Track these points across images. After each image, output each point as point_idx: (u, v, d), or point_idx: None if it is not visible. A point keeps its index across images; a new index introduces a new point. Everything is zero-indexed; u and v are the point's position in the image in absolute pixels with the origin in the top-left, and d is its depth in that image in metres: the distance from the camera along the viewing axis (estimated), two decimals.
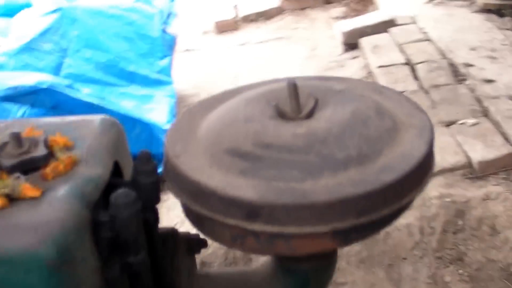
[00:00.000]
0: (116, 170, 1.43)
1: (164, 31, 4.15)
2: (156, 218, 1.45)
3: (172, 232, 1.58)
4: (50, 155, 1.31)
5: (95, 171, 1.33)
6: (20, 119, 1.40)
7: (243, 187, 1.28)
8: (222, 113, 1.48)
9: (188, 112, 1.54)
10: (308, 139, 1.34)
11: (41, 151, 1.31)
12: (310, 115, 1.41)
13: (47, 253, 1.15)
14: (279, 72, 4.60)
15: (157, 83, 3.89)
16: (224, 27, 5.77)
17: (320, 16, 5.75)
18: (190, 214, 1.39)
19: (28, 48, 3.66)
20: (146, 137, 3.43)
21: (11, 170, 1.27)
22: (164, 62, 4.02)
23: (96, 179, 1.31)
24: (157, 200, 1.41)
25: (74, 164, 1.32)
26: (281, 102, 1.43)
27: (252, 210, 1.27)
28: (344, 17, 5.51)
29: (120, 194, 1.26)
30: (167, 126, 3.37)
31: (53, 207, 1.21)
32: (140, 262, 1.31)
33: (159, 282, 1.49)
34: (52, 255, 1.15)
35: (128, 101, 3.64)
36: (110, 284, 1.30)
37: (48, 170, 1.29)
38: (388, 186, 1.28)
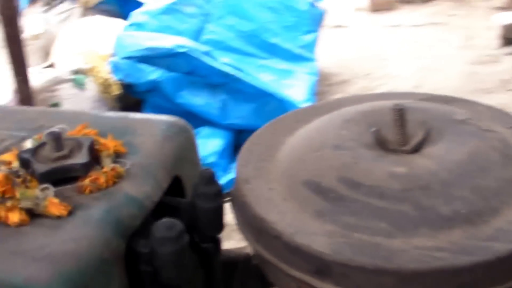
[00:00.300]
0: (177, 186, 1.20)
1: (312, 4, 3.90)
2: (216, 249, 1.21)
3: (243, 258, 1.33)
4: (91, 164, 1.10)
5: (142, 189, 1.10)
6: (81, 112, 1.19)
7: (315, 235, 1.02)
8: (311, 132, 1.21)
9: (273, 125, 1.28)
10: (407, 182, 1.05)
11: (81, 158, 1.09)
12: (416, 149, 1.12)
13: None
14: (429, 60, 4.31)
15: (299, 58, 3.66)
16: (379, 6, 5.44)
17: (481, 5, 5.30)
18: (254, 253, 1.14)
19: (172, 9, 3.57)
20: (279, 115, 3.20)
21: (42, 178, 1.06)
22: (309, 37, 3.79)
23: (141, 201, 1.08)
24: (219, 228, 1.17)
25: (119, 177, 1.10)
26: (384, 128, 1.14)
27: (322, 266, 1.00)
28: (506, 8, 5.02)
29: (161, 225, 1.02)
30: (304, 105, 3.13)
31: (77, 232, 0.99)
32: None
33: None
34: None
35: (266, 74, 3.44)
36: None
37: (86, 182, 1.08)
38: (502, 259, 0.97)
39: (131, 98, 3.43)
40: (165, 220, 1.02)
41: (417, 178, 1.06)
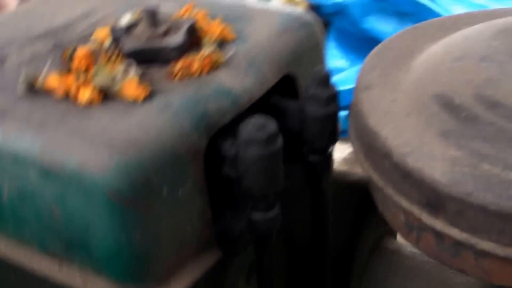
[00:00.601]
0: (291, 87, 1.03)
1: None
2: (326, 165, 1.03)
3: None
4: (187, 47, 0.95)
5: (240, 82, 0.94)
6: None
7: (434, 159, 0.81)
8: (456, 40, 0.99)
9: (413, 30, 1.06)
10: None
11: (176, 39, 0.95)
12: None
13: (110, 180, 0.81)
14: None
15: None
16: None
17: None
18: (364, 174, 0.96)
19: None
20: None
21: (129, 57, 0.93)
22: None
23: (235, 95, 0.92)
24: (329, 139, 0.99)
25: (215, 66, 0.95)
26: None
27: (435, 199, 0.80)
28: None
29: (250, 124, 0.85)
30: None
31: (148, 119, 0.85)
32: (268, 222, 0.91)
33: (322, 254, 1.09)
34: (117, 185, 0.81)
35: (459, 8, 3.12)
36: (221, 244, 0.94)
37: (177, 67, 0.93)
38: None
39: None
40: (256, 118, 0.86)
41: None
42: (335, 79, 2.78)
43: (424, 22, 1.08)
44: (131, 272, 0.85)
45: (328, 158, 1.02)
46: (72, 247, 0.87)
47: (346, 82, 2.78)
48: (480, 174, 0.78)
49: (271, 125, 0.85)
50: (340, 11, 3.13)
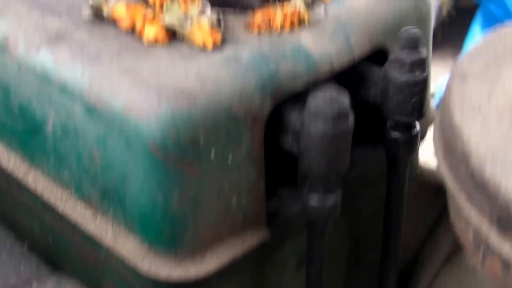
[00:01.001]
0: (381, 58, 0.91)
1: None
2: (409, 144, 0.90)
3: None
4: None
5: (322, 46, 0.83)
6: None
7: None
8: None
9: None
10: None
11: None
12: None
13: (154, 130, 0.72)
14: None
15: None
16: None
17: None
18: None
19: None
20: None
21: None
22: None
23: (314, 59, 0.81)
24: (416, 113, 0.86)
25: (299, 23, 0.84)
26: None
27: (506, 217, 0.68)
28: None
29: (320, 96, 0.74)
30: None
31: (210, 70, 0.76)
32: (325, 208, 0.81)
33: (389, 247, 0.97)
34: (160, 137, 0.72)
35: None
36: (271, 224, 0.84)
37: (257, 18, 0.83)
38: None
39: (467, 1, 3.07)
40: (327, 91, 0.75)
41: None
42: None
43: None
44: (163, 236, 0.77)
45: (414, 137, 0.89)
46: (108, 197, 0.80)
47: None
48: None
49: (343, 100, 0.74)
50: None
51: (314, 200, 0.80)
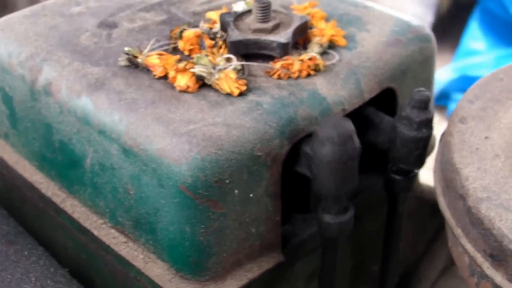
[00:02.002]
0: (391, 102, 1.00)
1: None
2: (406, 187, 1.00)
3: None
4: (291, 46, 0.93)
5: (336, 91, 0.92)
6: None
7: (508, 209, 0.77)
8: None
9: None
10: None
11: (283, 36, 0.93)
12: None
13: (184, 173, 0.81)
14: None
15: None
16: None
17: None
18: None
19: None
20: None
21: (232, 47, 0.92)
22: None
23: (329, 103, 0.90)
24: (417, 164, 0.95)
25: (313, 70, 0.93)
26: None
27: (499, 251, 0.76)
28: None
29: (327, 123, 0.83)
30: None
31: (236, 117, 0.85)
32: (339, 225, 0.90)
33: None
34: (189, 179, 0.81)
35: None
36: (286, 247, 0.93)
37: (277, 65, 0.92)
38: None
39: None
40: (333, 118, 0.84)
41: None
42: (468, 61, 2.69)
43: None
44: (190, 263, 0.86)
45: (410, 180, 0.99)
46: (140, 226, 0.89)
47: (479, 67, 2.67)
48: None
49: (347, 125, 0.83)
50: None
51: (328, 219, 0.89)
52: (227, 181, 0.82)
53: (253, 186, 0.85)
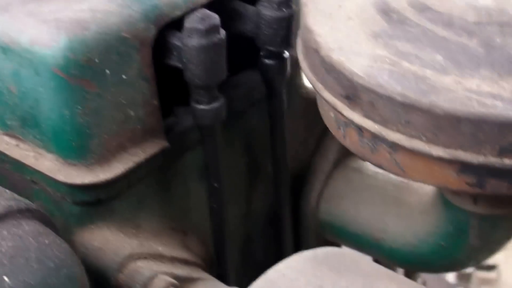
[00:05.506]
0: None
1: None
2: (280, 68, 1.07)
3: None
4: None
5: None
6: None
7: (358, 55, 0.85)
8: None
9: None
10: (486, 15, 0.84)
11: None
12: None
13: (56, 56, 0.88)
14: None
15: None
16: None
17: None
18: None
19: None
20: None
21: None
22: None
23: None
24: (282, 43, 1.03)
25: None
26: None
27: (352, 90, 0.84)
28: None
29: (194, 16, 0.92)
30: None
31: (101, 5, 0.92)
32: (212, 113, 0.98)
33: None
34: (61, 61, 0.88)
35: None
36: (170, 137, 1.00)
37: None
38: None
39: None
40: (199, 11, 0.92)
41: (500, 12, 0.84)
42: None
43: None
44: (73, 147, 0.93)
45: (282, 61, 1.07)
46: (26, 123, 0.95)
47: None
48: (396, 70, 0.82)
49: (213, 18, 0.91)
50: None
51: (201, 108, 0.96)
52: (96, 60, 0.89)
53: (124, 67, 0.92)
